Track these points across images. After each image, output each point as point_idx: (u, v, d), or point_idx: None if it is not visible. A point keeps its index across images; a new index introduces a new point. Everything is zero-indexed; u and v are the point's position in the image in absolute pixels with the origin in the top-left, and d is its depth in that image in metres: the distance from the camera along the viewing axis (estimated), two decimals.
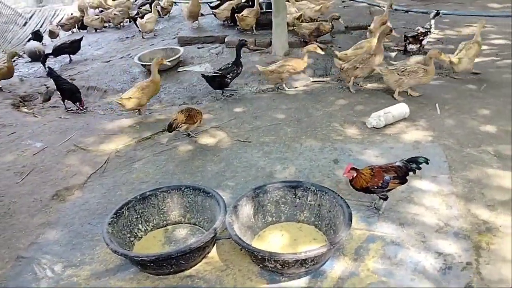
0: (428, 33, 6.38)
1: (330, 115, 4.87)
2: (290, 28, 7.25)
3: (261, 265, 2.81)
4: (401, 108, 4.57)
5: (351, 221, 2.78)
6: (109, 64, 7.38)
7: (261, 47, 7.06)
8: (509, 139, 4.05)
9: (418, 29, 6.42)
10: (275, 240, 3.09)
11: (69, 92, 5.67)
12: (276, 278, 2.77)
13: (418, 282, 2.64)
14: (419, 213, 3.21)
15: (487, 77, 5.37)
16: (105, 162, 4.32)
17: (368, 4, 8.98)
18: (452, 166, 3.72)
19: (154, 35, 8.74)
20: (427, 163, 3.19)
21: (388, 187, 3.09)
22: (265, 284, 2.74)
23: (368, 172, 3.09)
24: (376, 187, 3.08)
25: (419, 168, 3.17)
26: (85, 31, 10.19)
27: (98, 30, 10.02)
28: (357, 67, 5.27)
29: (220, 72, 5.52)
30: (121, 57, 7.65)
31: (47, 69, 5.90)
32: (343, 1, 9.44)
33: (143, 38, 8.63)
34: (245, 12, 7.21)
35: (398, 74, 4.96)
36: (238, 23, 7.35)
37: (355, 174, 3.09)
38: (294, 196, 3.24)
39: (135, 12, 10.39)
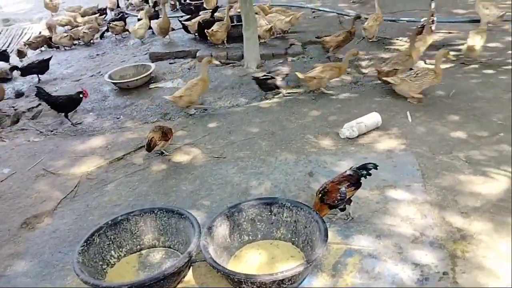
0: None
1: (304, 127, 4.87)
2: (262, 41, 7.28)
3: (238, 287, 2.75)
4: (373, 118, 4.61)
5: (327, 236, 2.76)
6: (79, 83, 7.23)
7: (233, 61, 7.04)
8: (479, 144, 4.12)
9: None
10: (252, 260, 3.04)
11: (72, 102, 5.62)
12: None
13: None
14: (394, 224, 3.21)
15: (454, 83, 5.47)
16: (75, 186, 4.20)
17: (338, 13, 9.09)
18: (425, 174, 3.75)
19: (142, 42, 8.73)
20: (376, 168, 3.26)
21: (347, 196, 3.14)
22: None
23: (317, 201, 3.18)
24: (337, 201, 3.13)
25: (369, 174, 3.25)
26: (54, 49, 9.98)
27: (67, 48, 9.83)
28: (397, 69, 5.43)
29: (271, 74, 5.74)
30: (92, 75, 7.52)
31: (36, 88, 5.78)
32: (313, 12, 9.53)
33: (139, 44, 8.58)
34: (215, 27, 7.18)
35: (410, 80, 5.03)
36: (209, 38, 7.30)
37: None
38: (269, 213, 3.20)
39: (104, 28, 10.27)
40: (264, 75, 5.82)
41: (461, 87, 5.33)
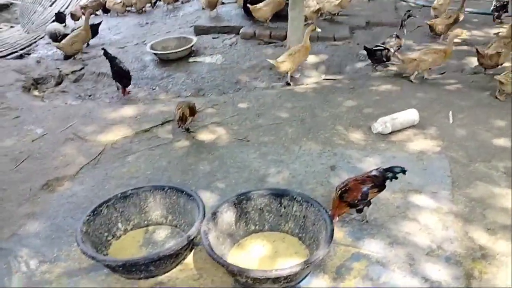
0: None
1: (336, 117, 4.66)
2: (309, 21, 7.01)
3: (234, 277, 2.68)
4: (410, 115, 4.31)
5: (331, 238, 2.61)
6: (123, 50, 7.33)
7: (276, 40, 6.84)
8: None
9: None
10: (255, 250, 2.96)
11: (117, 75, 5.64)
12: None
13: None
14: (411, 232, 3.00)
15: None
16: (99, 154, 4.26)
17: None
18: (456, 182, 3.47)
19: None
20: (404, 173, 3.02)
21: (368, 197, 2.94)
22: None
23: (336, 197, 3.01)
24: (357, 201, 2.93)
25: (396, 178, 3.02)
26: (108, 14, 10.19)
27: (119, 14, 9.99)
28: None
29: (383, 45, 5.72)
30: (136, 44, 7.60)
31: (102, 50, 5.81)
32: None
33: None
34: (261, 4, 6.97)
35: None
36: (253, 14, 7.13)
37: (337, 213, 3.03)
38: (279, 204, 3.08)
39: None
40: (377, 45, 5.69)
41: None
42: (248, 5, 7.07)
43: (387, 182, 3.06)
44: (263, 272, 2.46)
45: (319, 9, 6.99)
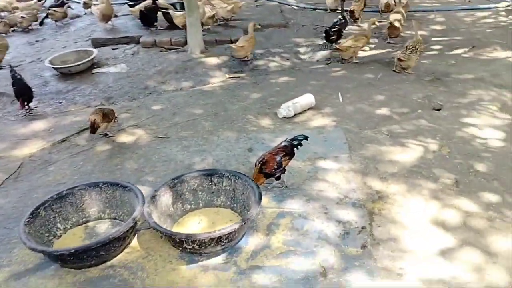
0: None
1: (245, 108, 5.15)
2: (205, 27, 7.47)
3: (180, 248, 2.99)
4: (307, 98, 4.97)
5: (260, 199, 3.06)
6: (19, 69, 6.98)
7: (177, 46, 7.18)
8: (400, 119, 4.59)
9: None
10: (194, 225, 3.29)
11: (18, 91, 5.37)
12: (195, 259, 2.96)
13: (321, 247, 2.98)
14: (322, 189, 3.58)
15: (382, 67, 5.97)
16: (18, 167, 4.23)
17: (279, 3, 9.43)
18: (352, 147, 4.15)
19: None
20: (307, 139, 3.63)
21: (282, 165, 3.47)
22: (185, 265, 2.93)
23: (256, 170, 3.47)
24: (274, 170, 3.44)
25: (301, 145, 3.61)
26: None
27: (3, 35, 9.47)
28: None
29: (338, 26, 6.81)
30: (31, 61, 7.36)
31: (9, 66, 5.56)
32: (255, 1, 9.81)
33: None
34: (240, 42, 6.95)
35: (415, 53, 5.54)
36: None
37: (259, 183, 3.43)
38: (210, 183, 3.45)
39: (44, 15, 9.97)
40: (332, 26, 6.80)
41: (387, 71, 5.82)
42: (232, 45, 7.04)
43: (296, 151, 3.62)
44: (207, 233, 2.82)
45: (213, 15, 7.48)
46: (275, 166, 3.46)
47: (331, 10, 8.78)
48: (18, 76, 5.44)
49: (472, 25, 7.25)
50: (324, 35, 6.91)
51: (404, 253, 2.91)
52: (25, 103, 5.47)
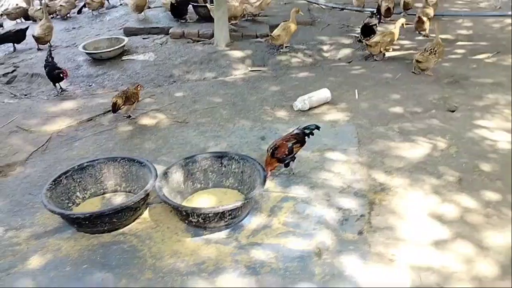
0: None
1: (263, 100, 5.32)
2: (233, 22, 7.67)
3: (186, 221, 3.20)
4: (323, 93, 5.10)
5: (265, 182, 3.25)
6: (54, 52, 7.42)
7: (204, 38, 7.42)
8: (413, 118, 4.67)
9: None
10: (202, 203, 3.49)
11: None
12: (200, 232, 3.17)
13: (319, 230, 3.13)
14: (327, 178, 3.71)
15: (402, 68, 6.02)
16: (46, 141, 4.55)
17: (308, 1, 9.54)
18: (361, 141, 4.27)
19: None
20: (318, 129, 3.79)
21: (293, 152, 3.60)
22: (190, 237, 3.13)
23: (269, 155, 3.60)
24: (285, 155, 3.58)
25: (312, 134, 3.76)
26: (31, 21, 10.10)
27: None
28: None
29: (374, 23, 6.94)
30: (67, 46, 7.76)
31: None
32: None
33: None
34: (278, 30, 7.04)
35: (434, 55, 5.62)
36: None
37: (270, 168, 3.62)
38: (220, 164, 3.65)
39: (82, 3, 10.43)
40: (370, 22, 6.92)
41: (407, 71, 5.87)
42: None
43: (307, 141, 3.77)
44: (211, 208, 3.02)
45: (242, 10, 7.67)
46: (286, 152, 3.62)
47: (359, 10, 8.83)
48: (50, 59, 5.78)
49: (500, 31, 7.17)
50: (360, 31, 7.07)
51: (398, 241, 3.02)
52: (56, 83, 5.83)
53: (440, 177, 3.66)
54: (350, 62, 6.56)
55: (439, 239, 3.01)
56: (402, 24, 6.59)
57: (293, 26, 6.76)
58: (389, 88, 5.41)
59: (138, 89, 4.92)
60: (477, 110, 4.73)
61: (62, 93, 5.91)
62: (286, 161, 3.70)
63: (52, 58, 5.86)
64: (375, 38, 6.33)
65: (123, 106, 4.72)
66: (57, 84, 5.86)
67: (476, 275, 2.72)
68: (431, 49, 5.55)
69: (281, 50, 6.87)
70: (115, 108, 4.66)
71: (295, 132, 3.74)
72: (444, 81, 5.54)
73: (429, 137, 4.27)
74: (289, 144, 3.63)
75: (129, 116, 4.93)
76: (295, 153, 3.70)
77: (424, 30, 7.15)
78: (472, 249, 2.92)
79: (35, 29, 7.54)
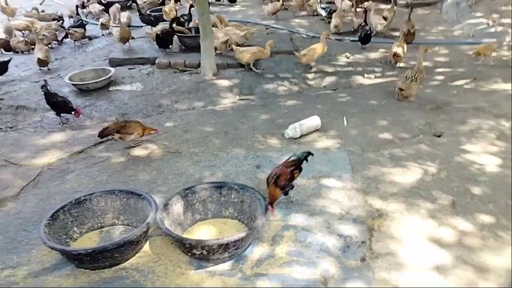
0: None
1: (254, 128, 5.39)
2: (218, 52, 7.80)
3: (189, 254, 3.17)
4: (314, 121, 5.20)
5: (266, 211, 3.27)
6: (39, 84, 7.35)
7: (191, 68, 7.50)
8: (402, 144, 4.80)
9: None
10: (202, 234, 3.48)
11: (63, 104, 5.71)
12: (203, 264, 3.14)
13: (322, 258, 3.15)
14: (325, 205, 3.76)
15: (386, 94, 6.22)
16: (37, 175, 4.46)
17: (289, 31, 9.81)
18: (354, 167, 4.35)
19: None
20: (312, 155, 3.87)
21: (294, 178, 3.68)
22: (193, 270, 3.11)
23: (272, 185, 3.58)
24: (287, 183, 3.62)
25: (307, 160, 3.83)
26: (11, 53, 10.01)
27: (25, 52, 9.90)
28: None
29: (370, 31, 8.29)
30: (51, 77, 7.70)
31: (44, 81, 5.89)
32: (266, 28, 10.19)
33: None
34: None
35: (415, 82, 5.77)
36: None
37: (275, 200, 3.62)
38: (219, 195, 3.66)
39: (63, 34, 10.42)
40: (367, 30, 8.19)
41: (391, 98, 6.07)
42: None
43: (302, 169, 3.83)
44: (216, 240, 3.01)
45: (227, 40, 7.82)
46: (288, 178, 3.66)
47: (339, 39, 9.12)
48: (49, 89, 5.81)
49: (475, 58, 7.49)
50: (360, 39, 8.18)
51: (400, 267, 3.07)
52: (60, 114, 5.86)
53: (434, 202, 3.76)
54: (336, 89, 6.74)
55: (440, 264, 3.08)
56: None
57: (320, 47, 7.32)
58: (376, 115, 5.57)
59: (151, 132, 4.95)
60: (462, 135, 4.91)
61: (66, 123, 5.93)
62: (287, 189, 3.73)
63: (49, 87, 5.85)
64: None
65: (115, 134, 4.77)
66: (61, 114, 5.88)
67: None
68: (412, 76, 5.76)
69: (310, 69, 7.48)
70: (104, 132, 4.78)
71: (291, 158, 3.80)
72: (428, 107, 5.74)
73: (419, 162, 4.40)
74: (289, 170, 3.67)
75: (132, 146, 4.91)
76: (294, 179, 3.75)
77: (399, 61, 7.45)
78: (473, 273, 2.99)
79: (36, 54, 7.83)
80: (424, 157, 4.48)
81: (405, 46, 7.37)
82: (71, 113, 5.76)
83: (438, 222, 3.51)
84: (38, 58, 7.81)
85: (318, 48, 7.27)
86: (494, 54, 7.33)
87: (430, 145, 4.73)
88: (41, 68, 8.05)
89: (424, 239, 3.33)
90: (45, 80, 5.91)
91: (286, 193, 3.77)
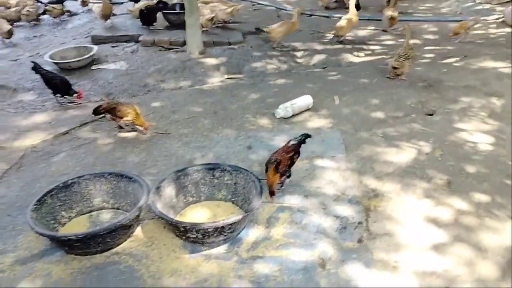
0: None
1: (244, 108, 5.27)
2: (204, 29, 7.58)
3: (184, 237, 3.08)
4: (305, 100, 5.10)
5: (261, 193, 3.18)
6: (17, 63, 7.12)
7: (176, 46, 7.29)
8: (395, 123, 4.75)
9: None
10: (196, 217, 3.39)
11: (64, 86, 5.43)
12: (198, 248, 3.06)
13: (319, 240, 3.11)
14: (320, 186, 3.70)
15: (377, 73, 6.14)
16: (20, 158, 4.29)
17: (276, 8, 9.60)
18: (348, 147, 4.29)
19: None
20: (310, 137, 3.79)
21: (294, 163, 3.60)
22: (188, 254, 3.02)
23: (272, 171, 3.43)
24: (287, 169, 3.54)
25: (304, 142, 3.75)
26: None
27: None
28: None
29: None
30: (30, 56, 7.40)
31: (32, 63, 5.53)
32: (253, 5, 9.97)
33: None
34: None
35: (407, 60, 5.70)
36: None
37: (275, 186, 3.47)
38: (212, 177, 3.56)
39: (41, 11, 9.99)
40: None
41: (382, 76, 6.00)
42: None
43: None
44: (212, 223, 2.92)
45: (213, 17, 7.60)
46: (288, 164, 3.56)
47: (327, 16, 8.96)
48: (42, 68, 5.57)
49: (453, 37, 7.45)
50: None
51: (399, 247, 3.04)
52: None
53: (429, 181, 3.73)
54: (325, 67, 6.64)
55: (438, 243, 3.06)
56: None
57: (291, 25, 7.17)
58: (367, 93, 5.49)
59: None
60: (454, 114, 4.88)
61: (70, 103, 5.62)
62: (288, 174, 3.64)
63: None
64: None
65: (106, 114, 4.66)
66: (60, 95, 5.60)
67: (478, 277, 2.78)
68: (405, 54, 5.69)
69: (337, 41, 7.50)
70: (97, 109, 4.65)
71: (291, 143, 3.68)
72: (419, 85, 5.70)
73: (413, 142, 4.35)
74: (289, 156, 3.57)
75: (126, 126, 4.71)
76: (294, 165, 3.66)
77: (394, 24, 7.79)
78: (471, 252, 2.98)
79: None
80: (417, 136, 4.44)
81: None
82: (72, 95, 5.51)
83: (435, 201, 3.49)
84: None
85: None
86: (472, 32, 7.33)
87: (423, 124, 4.69)
88: None
89: (421, 219, 3.31)
90: (33, 62, 5.60)
91: (288, 176, 3.66)
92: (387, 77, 5.93)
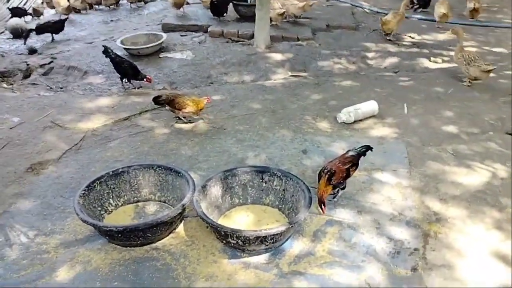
0: None
1: (304, 108, 5.06)
2: (273, 23, 7.42)
3: (224, 241, 2.97)
4: (370, 105, 4.79)
5: (310, 204, 2.98)
6: (91, 46, 7.41)
7: (243, 39, 7.20)
8: (468, 140, 4.31)
9: None
10: (240, 220, 3.26)
11: (132, 70, 5.58)
12: (238, 254, 2.93)
13: (368, 263, 2.85)
14: (376, 202, 3.42)
15: (454, 82, 5.64)
16: (80, 140, 4.41)
17: (351, 5, 9.20)
18: (412, 162, 3.94)
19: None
20: (371, 150, 3.54)
21: (350, 175, 3.36)
22: (227, 259, 2.90)
23: (325, 181, 3.23)
24: (341, 181, 3.31)
25: (365, 155, 3.51)
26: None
27: (83, 12, 9.97)
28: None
29: None
30: (104, 39, 7.68)
31: (103, 47, 5.74)
32: (327, 0, 9.63)
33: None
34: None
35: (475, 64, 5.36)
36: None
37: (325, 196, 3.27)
38: (261, 180, 3.41)
39: None
40: None
41: (459, 86, 5.50)
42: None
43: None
44: (253, 231, 2.77)
45: (283, 12, 7.41)
46: (343, 176, 3.33)
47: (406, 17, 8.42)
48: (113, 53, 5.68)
49: None
50: None
51: (457, 283, 2.71)
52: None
53: (502, 210, 3.32)
54: (397, 72, 6.22)
55: (504, 284, 2.69)
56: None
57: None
58: (440, 104, 5.05)
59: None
60: None
61: (136, 88, 5.79)
62: (343, 186, 3.41)
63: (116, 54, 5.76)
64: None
65: (166, 105, 4.64)
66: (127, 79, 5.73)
67: None
68: (470, 58, 5.27)
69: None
70: (158, 98, 4.67)
71: (350, 154, 3.44)
72: (501, 99, 5.14)
73: (487, 163, 3.91)
74: (346, 167, 3.33)
75: (183, 118, 4.72)
76: (350, 177, 3.42)
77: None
78: None
79: None
80: (493, 157, 3.98)
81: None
82: (142, 80, 5.62)
83: (505, 234, 3.08)
84: None
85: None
86: None
87: (501, 144, 4.21)
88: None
89: (487, 253, 2.93)
90: (104, 46, 5.75)
91: (343, 188, 3.43)
92: (467, 85, 5.42)
